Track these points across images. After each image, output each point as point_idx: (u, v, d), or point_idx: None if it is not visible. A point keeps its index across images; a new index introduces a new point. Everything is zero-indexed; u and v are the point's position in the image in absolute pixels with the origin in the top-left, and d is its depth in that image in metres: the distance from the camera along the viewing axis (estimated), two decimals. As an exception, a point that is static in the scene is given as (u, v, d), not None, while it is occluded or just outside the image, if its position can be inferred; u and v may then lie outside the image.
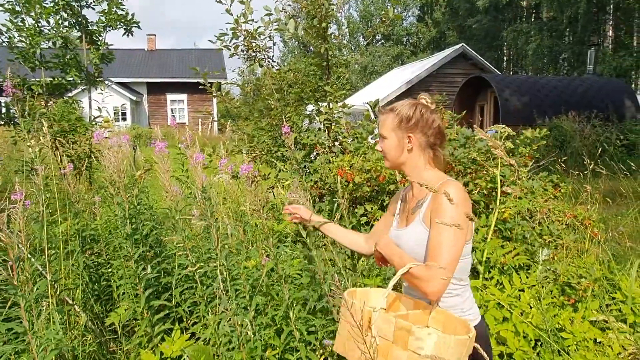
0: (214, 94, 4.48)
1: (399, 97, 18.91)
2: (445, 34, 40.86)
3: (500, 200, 3.20)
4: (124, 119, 25.30)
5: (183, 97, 28.23)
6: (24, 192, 1.99)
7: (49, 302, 1.94)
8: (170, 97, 28.15)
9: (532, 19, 34.38)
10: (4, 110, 4.19)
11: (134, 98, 25.59)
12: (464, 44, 18.83)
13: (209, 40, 4.60)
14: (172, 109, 28.26)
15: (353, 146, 3.79)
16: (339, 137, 4.33)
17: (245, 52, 4.22)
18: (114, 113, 23.39)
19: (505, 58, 38.98)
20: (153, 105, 28.03)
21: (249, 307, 2.09)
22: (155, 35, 30.56)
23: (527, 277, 2.95)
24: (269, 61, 4.37)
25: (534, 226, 3.56)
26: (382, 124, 1.56)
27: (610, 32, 28.51)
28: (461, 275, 1.48)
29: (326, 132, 4.45)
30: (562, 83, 14.62)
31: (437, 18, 42.39)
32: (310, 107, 4.89)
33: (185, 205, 2.67)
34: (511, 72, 36.81)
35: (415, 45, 44.53)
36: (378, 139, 1.63)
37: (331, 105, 4.48)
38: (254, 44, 4.16)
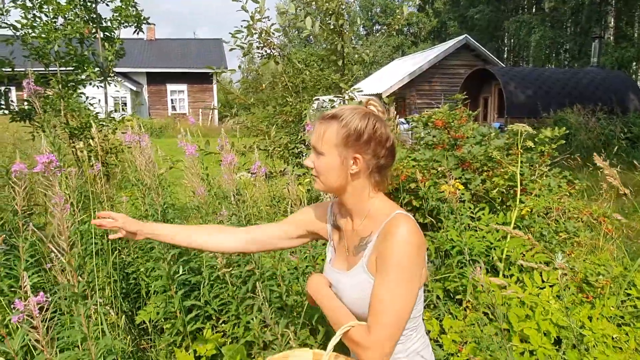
0: (228, 91, 4.48)
1: (402, 90, 18.89)
2: (447, 24, 40.65)
3: (518, 198, 3.23)
4: (124, 110, 25.22)
5: (183, 87, 28.10)
6: (62, 195, 2.01)
7: (96, 303, 1.97)
8: (170, 87, 28.00)
9: (534, 10, 34.23)
10: (13, 104, 4.20)
11: (134, 88, 25.47)
12: (467, 35, 18.75)
13: (229, 37, 4.59)
14: (172, 99, 28.14)
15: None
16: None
17: (260, 49, 4.22)
18: (115, 104, 23.30)
19: (506, 49, 38.85)
20: (153, 96, 27.90)
21: (284, 307, 2.12)
22: (154, 24, 30.29)
23: (548, 275, 2.99)
24: (283, 58, 4.37)
25: (549, 223, 3.61)
26: (318, 134, 1.19)
27: (612, 23, 28.41)
28: (409, 324, 1.21)
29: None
30: (566, 75, 14.61)
31: (438, 8, 42.16)
32: (319, 100, 4.90)
33: (214, 204, 2.70)
34: (511, 63, 36.71)
35: (416, 35, 44.32)
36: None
37: (346, 102, 4.49)
38: (269, 41, 4.15)
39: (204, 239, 1.39)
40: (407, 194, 3.35)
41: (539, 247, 3.25)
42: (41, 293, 1.07)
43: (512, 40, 36.90)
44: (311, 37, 41.40)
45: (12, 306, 1.06)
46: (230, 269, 2.27)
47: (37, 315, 1.04)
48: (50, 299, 1.10)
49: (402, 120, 9.34)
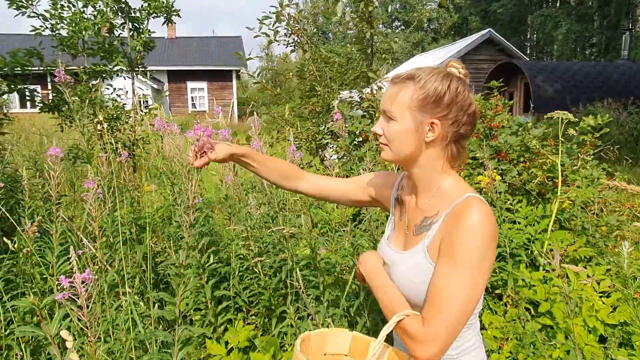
0: (254, 82, 4.41)
1: (423, 84, 18.52)
2: (468, 19, 40.02)
3: (560, 189, 3.08)
4: (147, 107, 25.47)
5: (203, 85, 28.32)
6: (95, 181, 1.96)
7: (126, 292, 1.92)
8: (190, 85, 28.25)
9: (558, 4, 33.39)
10: (36, 97, 4.19)
11: (155, 86, 25.74)
12: (491, 29, 18.37)
13: (247, 34, 4.52)
14: (192, 97, 28.38)
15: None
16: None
17: (288, 36, 4.13)
18: (138, 102, 23.56)
19: (528, 44, 38.03)
20: (174, 94, 28.17)
21: (321, 298, 2.03)
22: (175, 23, 30.56)
23: (594, 271, 2.84)
24: (311, 46, 4.27)
25: (587, 216, 3.44)
26: (390, 96, 1.07)
27: (641, 15, 27.50)
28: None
29: (369, 119, 4.36)
30: (596, 69, 14.17)
31: (459, 3, 41.51)
32: (344, 93, 4.80)
33: (242, 195, 2.62)
34: (534, 59, 35.94)
35: (437, 31, 43.76)
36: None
37: (375, 92, 4.38)
38: (297, 28, 4.06)
39: (277, 174, 1.36)
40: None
41: (581, 241, 3.09)
42: (87, 270, 0.99)
43: (534, 35, 36.10)
44: (330, 34, 41.26)
45: (57, 284, 0.99)
46: (263, 257, 2.19)
47: (83, 292, 0.97)
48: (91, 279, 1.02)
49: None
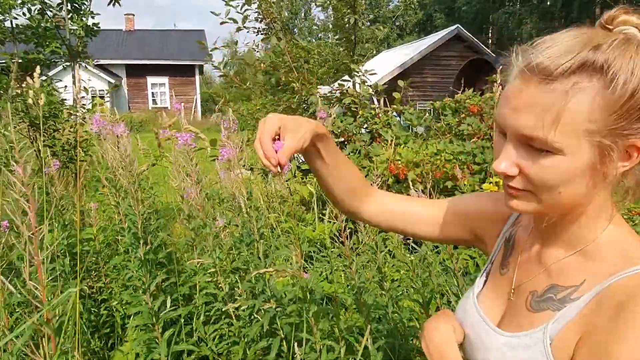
0: (221, 74, 3.86)
1: (392, 82, 18.28)
2: (433, 16, 40.29)
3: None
4: (92, 102, 24.04)
5: (164, 80, 27.14)
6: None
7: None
8: (150, 80, 27.01)
9: (518, 4, 33.94)
10: None
11: (112, 81, 24.41)
12: (459, 25, 18.34)
13: (212, 12, 3.94)
14: (152, 93, 27.16)
15: (393, 134, 3.22)
16: (368, 122, 3.76)
17: (259, 21, 3.58)
18: (92, 97, 22.14)
19: (490, 41, 38.63)
20: (133, 89, 26.87)
21: (317, 362, 1.52)
22: (133, 14, 29.16)
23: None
24: (286, 34, 3.74)
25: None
26: (545, 109, 0.54)
27: (598, 12, 28.33)
28: None
29: (352, 117, 3.87)
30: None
31: (424, 0, 41.71)
32: (324, 89, 4.32)
33: (207, 209, 2.08)
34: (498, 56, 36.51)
35: (402, 28, 43.88)
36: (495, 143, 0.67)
37: (357, 86, 3.90)
38: (270, 12, 3.52)
39: (345, 186, 0.86)
40: (442, 195, 2.80)
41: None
42: None
43: (501, 33, 36.68)
44: (296, 29, 40.56)
45: None
46: (237, 304, 1.67)
47: None
48: None
49: (395, 113, 8.87)
